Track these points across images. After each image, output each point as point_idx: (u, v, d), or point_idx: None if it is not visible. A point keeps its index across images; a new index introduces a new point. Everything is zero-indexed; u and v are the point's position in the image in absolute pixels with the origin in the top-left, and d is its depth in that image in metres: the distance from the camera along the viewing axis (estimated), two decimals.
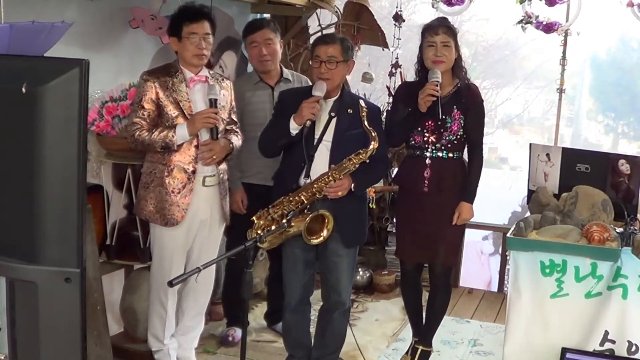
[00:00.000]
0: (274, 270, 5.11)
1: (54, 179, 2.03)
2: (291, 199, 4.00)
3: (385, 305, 6.00)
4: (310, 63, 4.19)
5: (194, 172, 4.11)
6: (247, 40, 4.83)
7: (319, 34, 6.17)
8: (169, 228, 4.12)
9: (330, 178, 3.98)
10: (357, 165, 4.00)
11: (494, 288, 6.71)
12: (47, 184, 2.03)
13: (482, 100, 4.44)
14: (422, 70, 4.36)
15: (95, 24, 4.48)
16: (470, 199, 4.35)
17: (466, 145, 4.39)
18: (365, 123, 4.00)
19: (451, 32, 4.28)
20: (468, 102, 4.32)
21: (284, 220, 3.87)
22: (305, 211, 4.01)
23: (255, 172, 4.71)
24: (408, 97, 4.36)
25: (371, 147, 4.00)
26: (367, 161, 4.01)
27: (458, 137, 4.30)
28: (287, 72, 4.95)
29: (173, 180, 4.08)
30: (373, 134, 4.00)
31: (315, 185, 3.98)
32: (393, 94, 5.84)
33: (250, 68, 5.48)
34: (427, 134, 4.30)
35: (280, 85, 4.80)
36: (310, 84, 4.59)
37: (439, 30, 4.25)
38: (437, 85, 4.14)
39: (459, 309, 5.99)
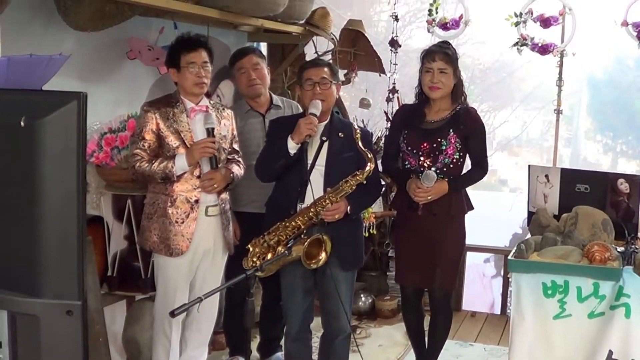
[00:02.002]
0: (266, 300, 5.06)
1: (53, 212, 2.03)
2: (287, 224, 3.99)
3: (388, 331, 5.98)
4: (299, 88, 4.21)
5: (197, 201, 4.12)
6: (235, 68, 4.84)
7: None
8: (173, 258, 4.12)
9: (327, 201, 3.99)
10: (353, 187, 4.00)
11: (497, 311, 6.68)
12: (47, 216, 2.03)
13: (483, 124, 4.46)
14: (422, 94, 4.40)
15: (93, 55, 4.51)
16: (453, 185, 4.31)
17: (471, 163, 4.41)
18: (360, 144, 4.00)
19: (449, 58, 4.29)
20: (468, 128, 4.32)
21: (285, 249, 3.86)
22: (302, 236, 4.00)
23: (248, 200, 4.70)
24: (406, 120, 4.38)
25: (368, 168, 4.00)
26: (364, 182, 4.01)
27: (454, 160, 4.31)
28: (276, 99, 4.95)
29: (176, 211, 4.09)
30: (369, 155, 4.00)
31: (311, 210, 3.98)
32: (391, 119, 5.87)
33: None
34: (422, 157, 4.31)
35: (271, 113, 4.81)
36: (301, 110, 4.62)
37: (436, 57, 4.28)
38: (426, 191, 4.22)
39: (462, 333, 5.96)
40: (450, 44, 4.45)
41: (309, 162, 4.10)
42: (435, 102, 4.38)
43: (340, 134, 4.16)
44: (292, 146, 4.01)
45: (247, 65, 4.78)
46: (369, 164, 4.00)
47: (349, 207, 4.06)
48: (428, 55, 4.31)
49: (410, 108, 4.50)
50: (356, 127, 4.08)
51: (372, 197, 4.36)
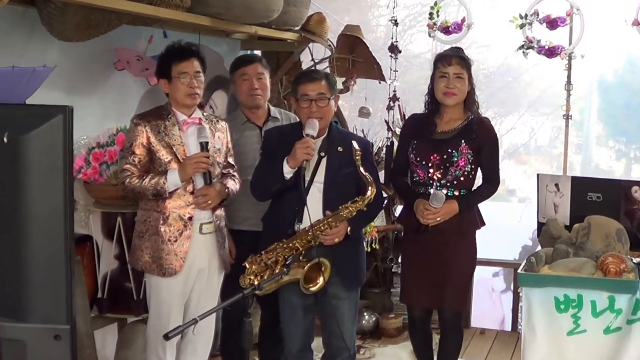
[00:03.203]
0: (265, 320, 5.03)
1: (39, 231, 2.03)
2: (285, 245, 3.98)
3: (394, 351, 5.96)
4: (294, 102, 4.19)
5: (190, 219, 4.10)
6: (237, 74, 4.80)
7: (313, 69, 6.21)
8: (166, 278, 4.11)
9: (326, 226, 3.98)
10: (353, 214, 3.98)
11: (508, 327, 6.66)
12: (33, 236, 2.03)
13: (496, 136, 4.43)
14: (433, 102, 4.38)
15: (79, 67, 4.51)
16: (463, 204, 4.28)
17: (482, 177, 4.40)
18: (361, 169, 3.94)
19: (465, 63, 4.28)
20: (481, 138, 4.30)
21: (283, 268, 3.85)
22: (301, 258, 4.00)
23: (244, 218, 4.67)
24: (415, 130, 4.37)
25: (368, 194, 3.95)
26: (364, 209, 3.99)
27: (465, 173, 4.27)
28: (274, 111, 4.93)
29: (169, 229, 4.07)
30: (369, 180, 3.95)
31: (310, 233, 3.97)
32: (392, 128, 5.88)
33: None
34: (431, 170, 4.28)
35: (269, 125, 4.77)
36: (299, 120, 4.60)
37: (452, 61, 4.26)
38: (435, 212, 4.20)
39: (472, 351, 5.95)
40: (462, 49, 4.45)
41: (307, 179, 4.08)
42: (447, 111, 4.36)
43: (339, 147, 4.14)
44: (288, 170, 3.99)
45: (250, 73, 4.75)
46: (369, 189, 3.96)
47: (349, 229, 4.05)
48: (443, 59, 4.29)
49: (419, 117, 4.48)
50: (356, 147, 3.97)
51: (373, 214, 4.34)
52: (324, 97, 4.07)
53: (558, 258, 4.15)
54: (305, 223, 4.01)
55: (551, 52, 5.78)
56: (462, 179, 4.28)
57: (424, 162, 4.30)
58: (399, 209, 5.50)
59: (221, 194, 4.19)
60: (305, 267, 3.94)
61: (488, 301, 8.27)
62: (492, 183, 4.39)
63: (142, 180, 4.00)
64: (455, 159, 4.25)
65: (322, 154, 4.12)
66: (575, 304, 3.95)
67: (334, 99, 4.15)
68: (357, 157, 3.95)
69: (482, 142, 4.30)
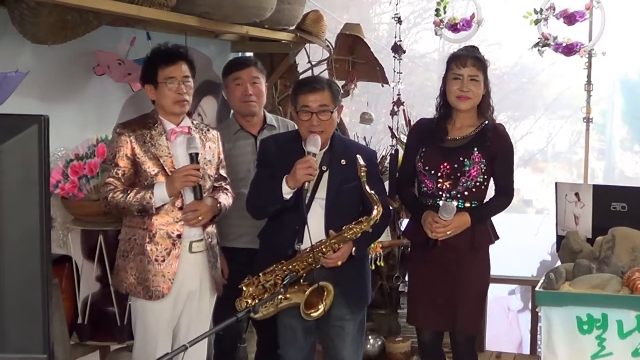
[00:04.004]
0: (261, 346, 5.01)
1: (13, 253, 2.03)
2: (284, 267, 3.98)
3: None
4: (294, 112, 4.18)
5: (179, 236, 4.10)
6: (230, 78, 4.81)
7: (310, 72, 6.21)
8: (153, 302, 4.10)
9: (329, 248, 3.98)
10: (358, 235, 3.98)
11: (526, 350, 6.65)
12: (6, 258, 2.03)
13: (512, 144, 4.44)
14: (445, 105, 4.37)
15: (55, 71, 4.50)
16: (475, 216, 4.28)
17: (495, 189, 4.39)
18: (367, 188, 3.94)
19: (481, 64, 4.28)
20: (495, 147, 4.30)
21: (280, 288, 3.84)
22: (301, 281, 4.00)
23: (237, 235, 4.68)
24: (424, 136, 4.37)
25: (374, 214, 3.95)
26: (370, 231, 3.99)
27: (477, 183, 4.27)
28: (270, 118, 4.93)
29: (156, 247, 4.06)
30: (375, 198, 3.95)
31: (311, 256, 3.96)
32: (396, 135, 5.87)
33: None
34: (440, 180, 4.28)
35: (265, 134, 4.76)
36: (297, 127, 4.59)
37: (467, 62, 4.25)
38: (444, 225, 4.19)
39: None
40: (478, 48, 4.44)
41: (308, 194, 4.07)
42: (459, 116, 4.35)
43: (342, 160, 4.14)
44: (287, 191, 3.99)
45: (244, 78, 4.75)
46: (375, 208, 3.95)
47: (353, 249, 4.06)
48: (457, 59, 4.28)
49: (428, 123, 4.47)
50: (361, 162, 3.96)
51: (380, 231, 4.34)
52: (326, 109, 4.05)
53: (580, 274, 4.15)
54: (306, 242, 4.01)
55: (569, 49, 5.77)
56: (473, 189, 4.28)
57: (432, 172, 4.29)
58: (405, 223, 5.49)
59: (213, 209, 4.18)
60: (307, 292, 3.94)
61: (504, 322, 8.27)
62: (506, 195, 4.39)
63: (127, 194, 3.99)
64: (467, 169, 4.25)
65: (324, 168, 4.12)
66: (599, 324, 3.94)
67: (337, 110, 4.14)
68: (362, 174, 3.94)
69: (496, 150, 4.30)
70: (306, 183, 3.96)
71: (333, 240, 3.98)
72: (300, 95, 4.09)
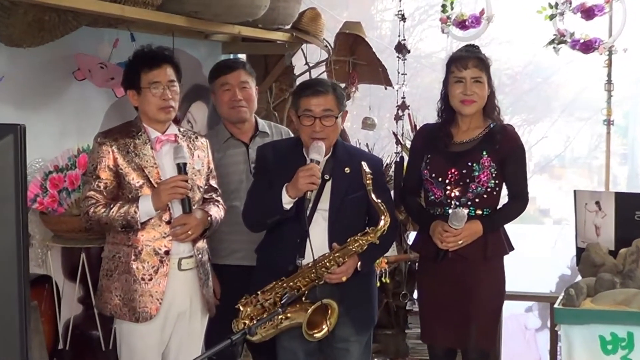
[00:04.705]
0: None
1: None
2: (285, 285, 3.98)
3: None
4: (294, 117, 4.17)
5: (167, 253, 4.09)
6: (217, 83, 4.81)
7: (307, 75, 6.21)
8: (140, 324, 4.08)
9: (333, 262, 3.97)
10: (364, 248, 3.98)
11: None
12: None
13: (522, 145, 4.44)
14: (447, 109, 4.38)
15: (32, 76, 4.50)
16: (488, 224, 4.28)
17: (508, 194, 4.39)
18: (373, 196, 3.95)
19: (483, 64, 4.29)
20: (505, 148, 4.31)
21: (278, 308, 3.83)
22: (303, 299, 3.99)
23: (230, 251, 4.68)
24: (429, 142, 4.37)
25: (381, 224, 3.96)
26: (377, 242, 3.99)
27: (488, 189, 4.27)
28: (263, 124, 4.93)
29: (142, 265, 4.05)
30: (382, 208, 3.96)
31: (313, 271, 3.96)
32: (401, 141, 5.87)
33: None
34: (449, 187, 4.27)
35: (257, 141, 4.77)
36: (292, 135, 4.59)
37: (468, 63, 4.26)
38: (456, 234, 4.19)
39: None
40: (478, 47, 4.45)
41: (309, 205, 4.07)
42: (464, 120, 4.37)
43: (346, 168, 4.13)
44: (288, 201, 3.98)
45: (232, 82, 4.75)
46: (382, 218, 3.96)
47: (359, 264, 4.05)
48: (458, 61, 4.29)
49: (432, 128, 4.48)
50: (366, 169, 3.98)
51: (387, 245, 4.35)
52: (330, 114, 4.05)
53: (602, 289, 4.14)
54: (308, 257, 4.00)
55: (587, 46, 5.78)
56: (484, 196, 4.28)
57: (440, 179, 4.30)
58: (412, 236, 5.49)
59: (203, 222, 4.17)
60: (309, 311, 3.93)
61: (521, 341, 8.25)
62: (520, 200, 4.40)
63: (109, 209, 3.98)
64: (476, 174, 4.25)
65: (327, 176, 4.10)
66: (624, 343, 3.94)
67: (341, 116, 4.15)
68: (368, 182, 3.95)
69: (507, 152, 4.31)
70: (308, 192, 3.96)
71: (337, 254, 3.97)
72: (302, 99, 4.10)
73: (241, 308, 3.98)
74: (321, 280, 3.97)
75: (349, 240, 3.98)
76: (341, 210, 4.08)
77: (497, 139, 4.30)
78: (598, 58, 5.81)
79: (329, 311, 3.98)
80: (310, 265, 3.97)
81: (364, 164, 4.00)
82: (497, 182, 4.29)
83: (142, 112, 4.16)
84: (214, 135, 4.82)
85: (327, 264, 3.97)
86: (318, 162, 3.98)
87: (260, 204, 4.14)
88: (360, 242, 3.97)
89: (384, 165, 5.88)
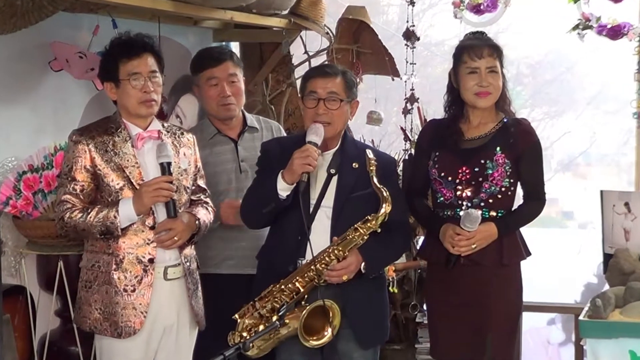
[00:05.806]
0: None
1: None
2: (282, 287, 3.96)
3: None
4: (301, 103, 4.19)
5: (151, 261, 4.07)
6: (203, 77, 4.80)
7: (306, 65, 6.21)
8: (122, 340, 4.06)
9: (332, 256, 3.95)
10: (365, 237, 3.97)
11: None
12: None
13: (539, 141, 4.43)
14: (456, 103, 4.37)
15: (4, 67, 4.51)
16: (502, 226, 4.27)
17: (523, 194, 4.38)
18: (375, 180, 3.97)
19: (498, 52, 4.30)
20: (520, 144, 4.30)
21: (275, 318, 3.82)
22: (303, 302, 3.98)
23: (221, 258, 4.68)
24: (436, 139, 4.36)
25: (382, 211, 3.97)
26: (379, 230, 3.98)
27: (502, 189, 4.26)
28: (251, 119, 4.93)
29: (124, 275, 4.03)
30: (384, 194, 3.97)
31: (312, 268, 3.94)
32: (410, 137, 5.86)
33: None
34: (460, 187, 4.26)
35: (245, 137, 4.80)
36: (284, 134, 4.58)
37: (483, 52, 4.25)
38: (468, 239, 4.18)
39: None
40: (486, 34, 4.43)
41: (313, 202, 4.08)
42: (476, 114, 4.35)
43: (354, 164, 4.14)
44: (284, 187, 3.97)
45: (220, 76, 4.75)
46: (384, 206, 3.97)
47: (363, 264, 4.03)
48: (470, 50, 4.27)
49: (440, 124, 4.48)
50: (370, 156, 4.02)
51: (397, 249, 4.38)
52: (335, 97, 4.07)
53: (632, 300, 4.14)
54: (309, 258, 3.99)
55: (615, 32, 5.75)
56: (499, 196, 4.27)
57: (450, 178, 4.29)
58: (420, 242, 5.47)
59: (190, 227, 4.16)
60: (303, 314, 3.90)
61: (543, 356, 8.27)
62: (536, 200, 4.39)
63: (87, 214, 3.96)
64: (490, 172, 4.24)
65: (333, 171, 4.11)
66: None
67: (350, 104, 4.15)
68: (372, 168, 3.98)
69: (522, 148, 4.30)
70: (304, 176, 3.94)
71: (337, 247, 3.97)
72: (309, 81, 4.15)
73: (239, 319, 3.97)
74: (321, 279, 3.96)
75: (349, 230, 3.97)
76: (346, 208, 4.07)
77: (512, 133, 4.29)
78: (627, 45, 5.79)
79: (331, 314, 3.95)
80: (309, 262, 3.97)
81: (368, 151, 4.04)
82: (511, 180, 4.28)
83: (121, 107, 4.14)
84: (198, 130, 4.80)
85: (327, 258, 3.96)
86: (316, 145, 3.98)
87: (256, 192, 4.14)
88: (361, 230, 3.97)
89: None
